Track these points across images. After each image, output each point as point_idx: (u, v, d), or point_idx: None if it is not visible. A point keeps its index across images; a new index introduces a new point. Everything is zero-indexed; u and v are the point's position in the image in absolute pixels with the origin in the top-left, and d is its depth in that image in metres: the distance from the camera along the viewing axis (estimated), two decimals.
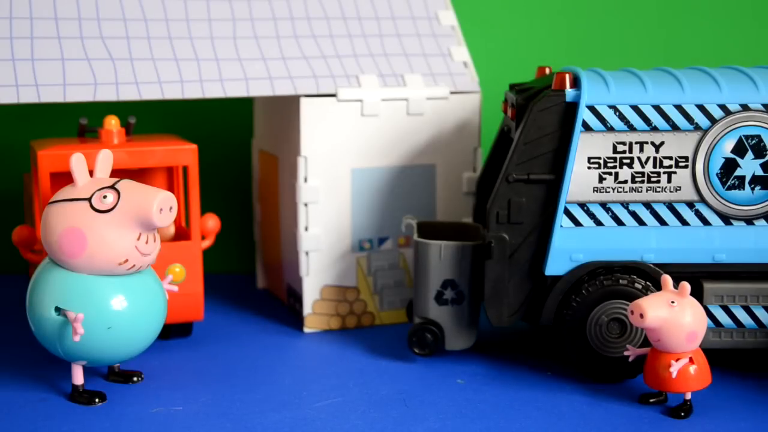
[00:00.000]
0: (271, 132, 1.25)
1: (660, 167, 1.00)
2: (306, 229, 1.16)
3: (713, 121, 0.99)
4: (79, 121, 1.12)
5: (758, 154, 1.00)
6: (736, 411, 0.96)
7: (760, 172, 1.00)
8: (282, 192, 1.23)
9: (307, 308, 1.18)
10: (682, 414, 0.95)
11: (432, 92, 1.18)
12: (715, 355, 1.02)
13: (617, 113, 1.00)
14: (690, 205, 1.01)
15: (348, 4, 1.21)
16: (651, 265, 1.01)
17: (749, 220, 1.01)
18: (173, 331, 1.14)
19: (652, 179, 1.00)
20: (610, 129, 1.00)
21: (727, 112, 0.99)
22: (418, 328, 1.07)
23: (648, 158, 1.00)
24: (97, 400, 0.97)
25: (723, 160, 1.00)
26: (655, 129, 1.00)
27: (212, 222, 1.13)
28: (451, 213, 1.21)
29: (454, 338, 1.08)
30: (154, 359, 1.08)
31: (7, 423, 0.93)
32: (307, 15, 1.19)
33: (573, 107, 1.00)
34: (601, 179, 1.00)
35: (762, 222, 1.01)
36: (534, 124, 1.01)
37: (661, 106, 0.99)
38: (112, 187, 0.95)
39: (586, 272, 1.02)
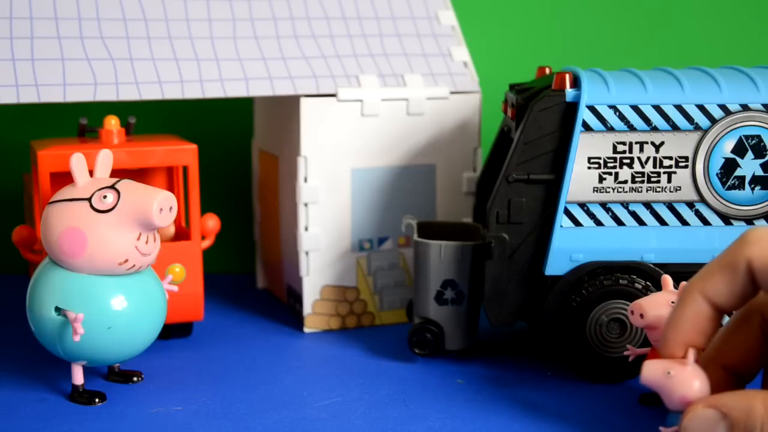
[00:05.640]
0: (271, 132, 1.25)
1: (660, 167, 1.00)
2: (306, 229, 1.16)
3: (713, 121, 0.99)
4: (79, 121, 1.12)
5: (758, 154, 1.00)
6: None
7: (760, 172, 1.00)
8: (282, 192, 1.23)
9: (307, 308, 1.18)
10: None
11: (432, 92, 1.18)
12: None
13: (617, 113, 1.00)
14: (690, 205, 1.01)
15: (348, 4, 1.21)
16: (651, 265, 1.01)
17: (749, 220, 1.01)
18: (173, 331, 1.14)
19: (652, 179, 1.00)
20: (610, 129, 1.00)
21: (727, 112, 0.99)
22: (418, 328, 1.07)
23: (648, 158, 1.00)
24: (97, 400, 0.97)
25: (723, 160, 1.00)
26: (655, 129, 1.00)
27: (212, 222, 1.13)
28: (451, 213, 1.21)
29: (454, 338, 1.08)
30: (154, 359, 1.08)
31: (7, 423, 0.93)
32: (307, 15, 1.19)
33: (573, 107, 1.00)
34: (601, 179, 1.00)
35: (762, 222, 1.01)
36: (534, 124, 1.01)
37: (661, 106, 0.99)
38: (112, 187, 0.95)
39: (586, 272, 1.02)
